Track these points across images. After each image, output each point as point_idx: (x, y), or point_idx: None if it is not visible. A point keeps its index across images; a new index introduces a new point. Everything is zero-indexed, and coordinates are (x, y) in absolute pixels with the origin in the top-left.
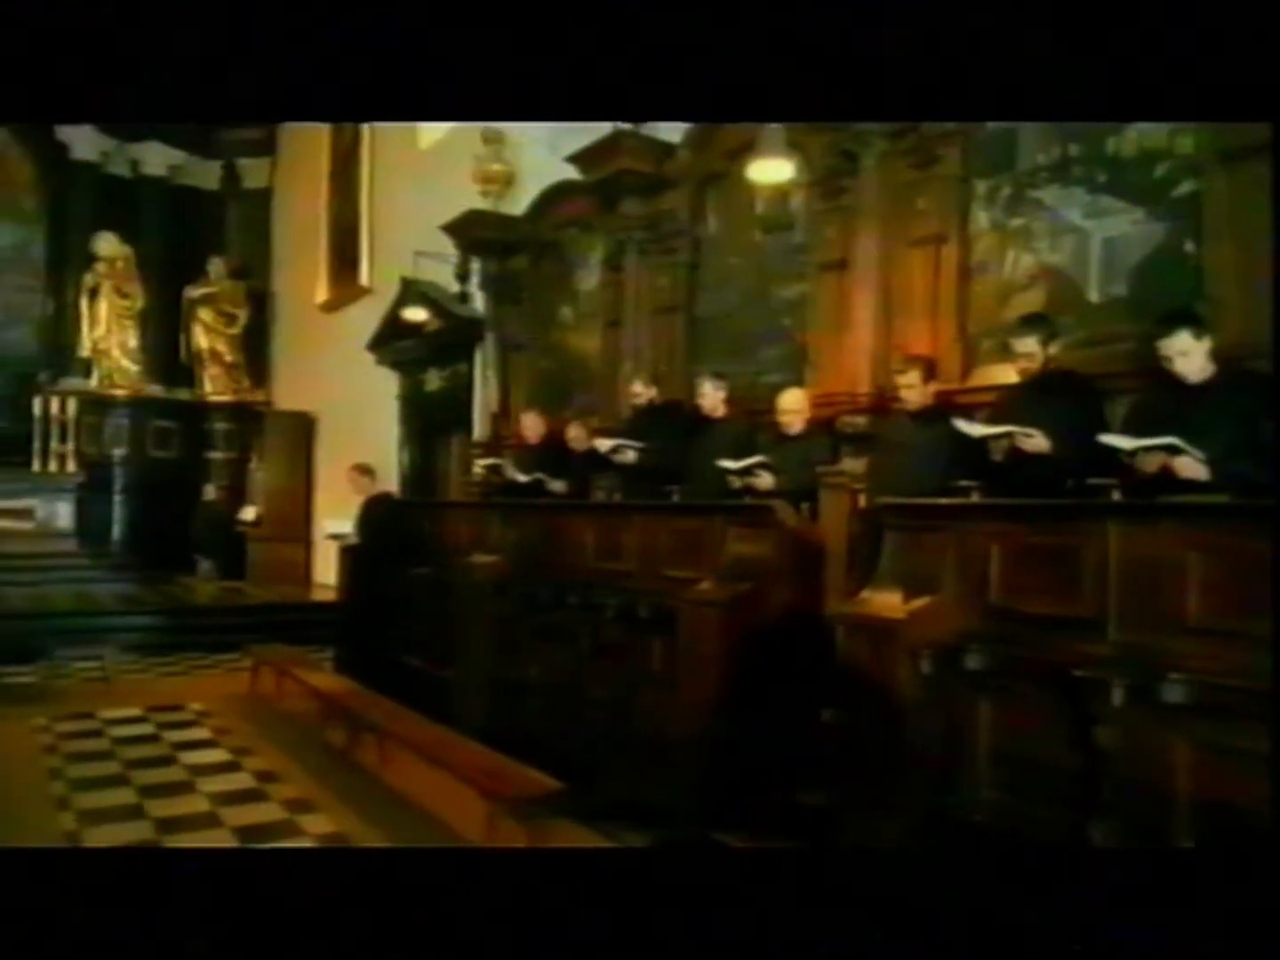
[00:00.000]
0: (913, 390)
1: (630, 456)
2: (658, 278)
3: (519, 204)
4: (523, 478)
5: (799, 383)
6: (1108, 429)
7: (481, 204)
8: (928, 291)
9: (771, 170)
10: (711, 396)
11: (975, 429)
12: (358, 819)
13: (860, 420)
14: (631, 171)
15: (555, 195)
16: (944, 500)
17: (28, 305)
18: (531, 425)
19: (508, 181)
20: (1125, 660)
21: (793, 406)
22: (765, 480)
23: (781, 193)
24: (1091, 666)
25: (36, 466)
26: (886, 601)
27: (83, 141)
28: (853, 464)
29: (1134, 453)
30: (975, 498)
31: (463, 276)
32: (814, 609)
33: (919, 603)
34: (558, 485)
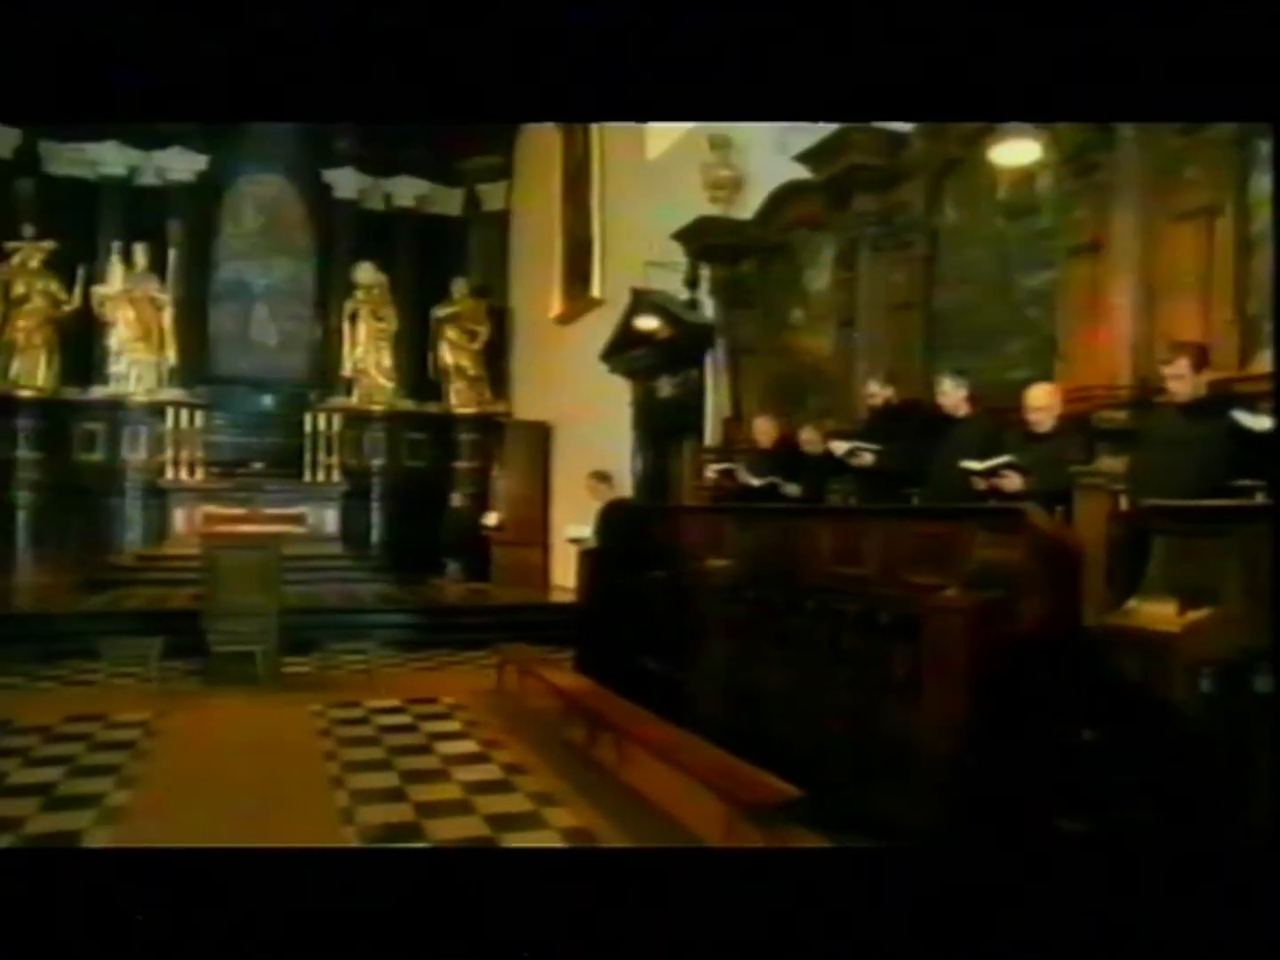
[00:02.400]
0: (1182, 381)
1: (867, 459)
2: (892, 274)
3: (748, 208)
4: (756, 482)
5: (1048, 377)
6: None
7: (710, 210)
8: (1197, 270)
9: (1017, 152)
10: (952, 395)
11: (1260, 421)
12: (598, 815)
13: (1119, 415)
14: (863, 166)
15: (784, 196)
16: (1225, 502)
17: (300, 332)
18: (764, 429)
19: (736, 186)
20: None
21: (1042, 403)
22: (1013, 481)
23: (1026, 175)
24: None
25: (307, 477)
26: (1158, 613)
27: (344, 181)
28: (1111, 463)
29: None
30: (1260, 499)
31: (692, 283)
32: (1070, 619)
33: (1197, 615)
34: (792, 489)
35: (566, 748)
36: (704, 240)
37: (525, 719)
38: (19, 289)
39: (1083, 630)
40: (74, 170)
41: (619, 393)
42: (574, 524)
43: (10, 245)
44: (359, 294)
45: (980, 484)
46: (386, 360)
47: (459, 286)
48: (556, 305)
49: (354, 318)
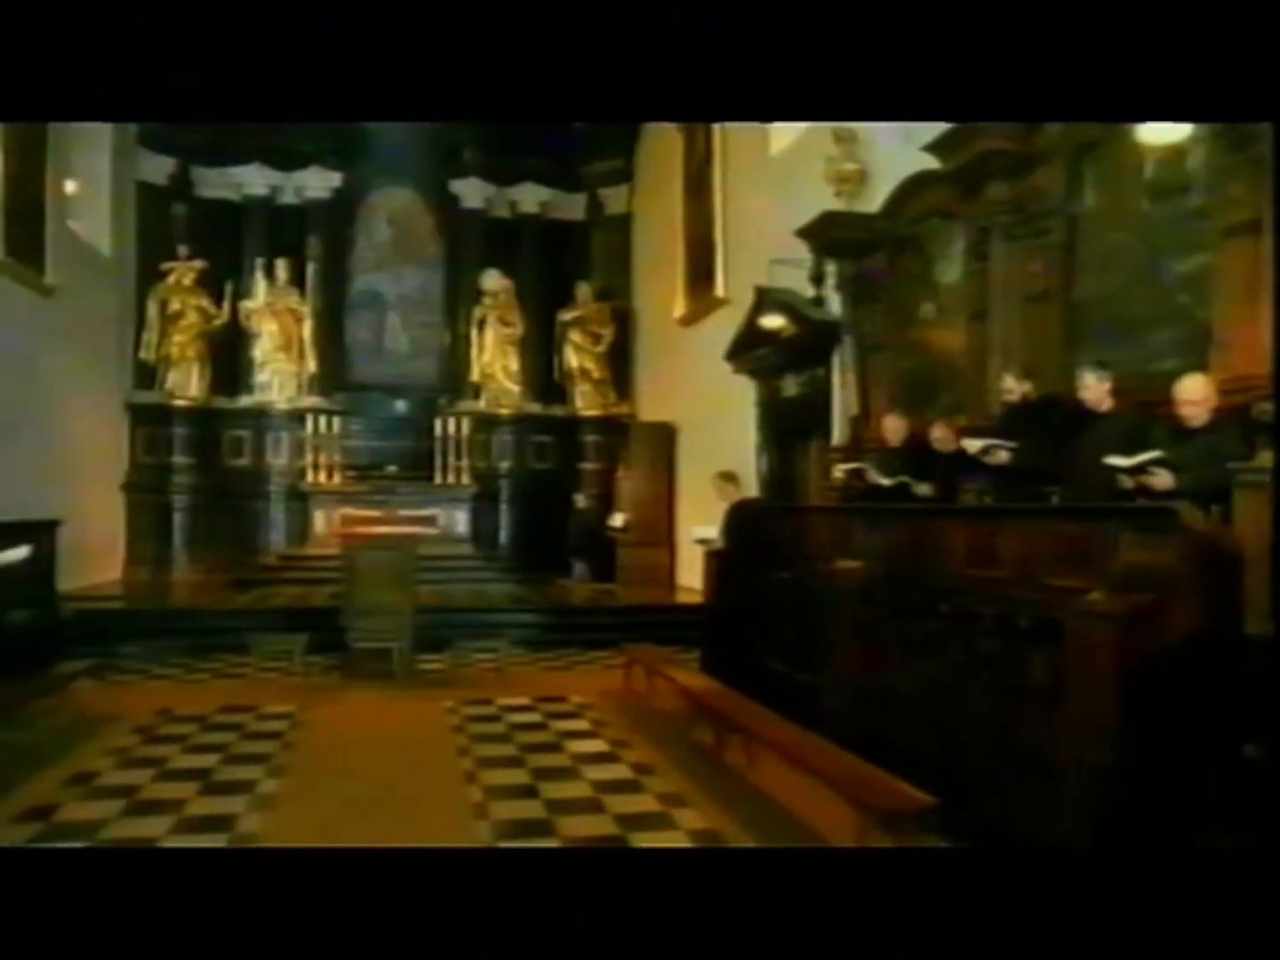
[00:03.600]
0: None
1: (1003, 457)
2: (1028, 263)
3: (873, 201)
4: (886, 481)
5: (1202, 367)
6: None
7: (835, 205)
8: None
9: (1165, 128)
10: (1095, 388)
11: None
12: (727, 817)
13: None
14: (996, 152)
15: (912, 188)
16: None
17: (430, 339)
18: (893, 427)
19: (861, 179)
20: None
21: (1195, 395)
22: (1163, 479)
23: (1175, 152)
24: None
25: (438, 479)
26: None
27: (470, 191)
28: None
29: None
30: None
31: (818, 280)
32: (1230, 626)
33: None
34: (923, 488)
35: (694, 749)
36: (829, 235)
37: (653, 719)
38: (174, 306)
39: (1245, 639)
40: (221, 193)
41: (744, 392)
42: (700, 525)
43: (166, 265)
44: (486, 300)
45: (1127, 482)
46: (513, 364)
47: (583, 290)
48: (680, 306)
49: (481, 324)
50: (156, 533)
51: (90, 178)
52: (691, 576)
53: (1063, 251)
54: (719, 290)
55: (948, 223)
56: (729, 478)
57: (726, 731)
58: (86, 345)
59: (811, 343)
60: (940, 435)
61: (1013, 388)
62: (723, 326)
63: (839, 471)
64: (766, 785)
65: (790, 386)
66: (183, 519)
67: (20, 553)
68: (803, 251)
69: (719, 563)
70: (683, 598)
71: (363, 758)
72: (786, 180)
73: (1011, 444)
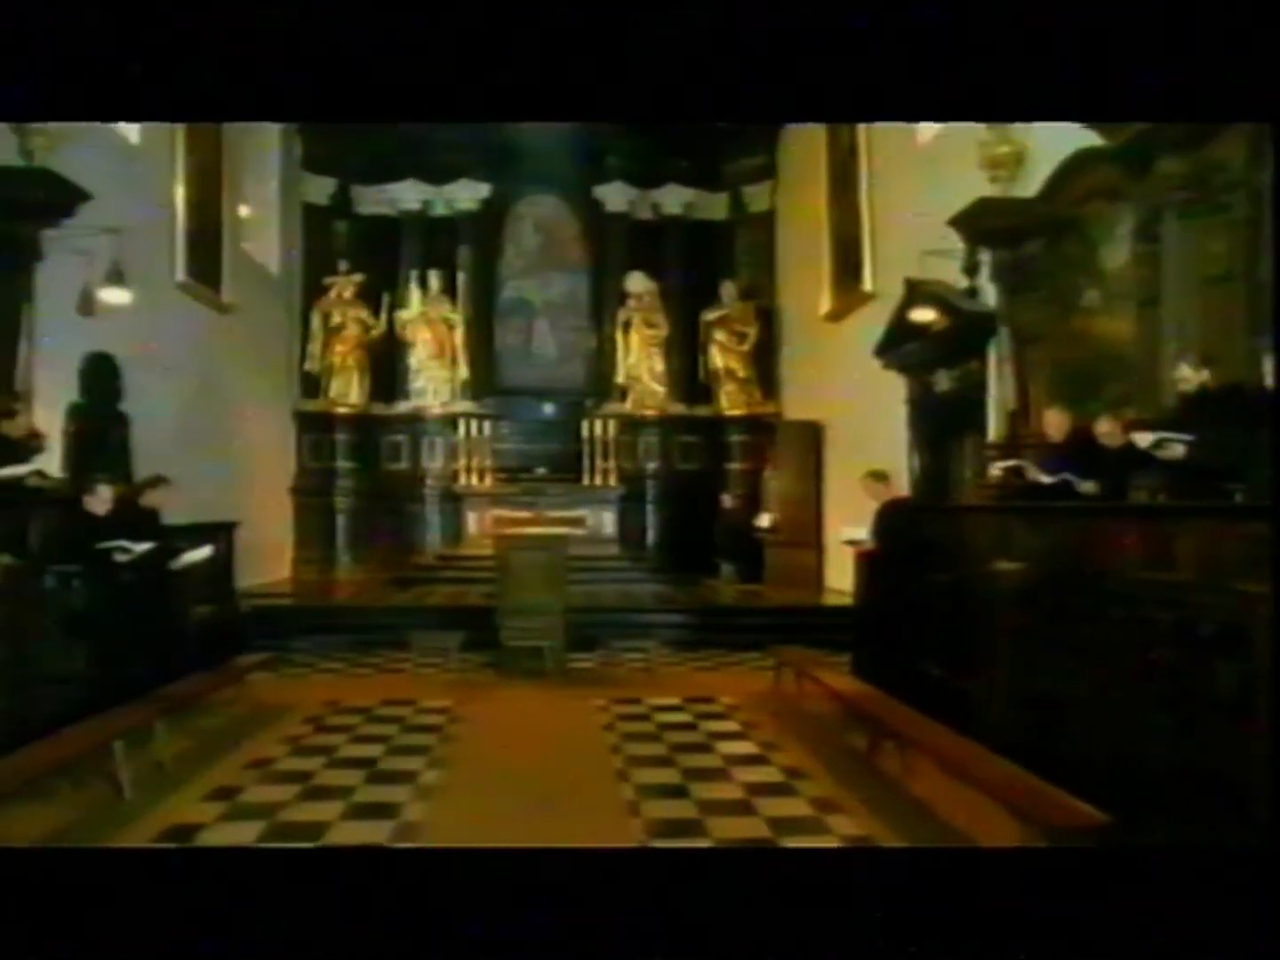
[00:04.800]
0: None
1: (1178, 451)
2: (1207, 242)
3: (1030, 185)
4: (1047, 479)
5: None
6: None
7: (989, 191)
8: None
9: None
10: None
11: None
12: (882, 825)
13: None
14: (1168, 124)
15: (1074, 168)
16: None
17: (577, 343)
18: (1055, 422)
19: (1017, 162)
20: None
21: None
22: None
23: None
24: None
25: (585, 481)
26: None
27: (614, 195)
28: None
29: None
30: None
31: (971, 270)
32: None
33: None
34: (1088, 486)
35: (846, 753)
36: (983, 223)
37: (803, 722)
38: (336, 318)
39: None
40: (378, 209)
41: (893, 389)
42: (849, 525)
43: (328, 280)
44: (631, 303)
45: None
46: (658, 366)
47: (727, 289)
48: (826, 302)
49: (626, 326)
50: (322, 533)
51: (260, 201)
52: (840, 578)
53: (1247, 228)
54: (866, 285)
55: (1114, 203)
56: (879, 477)
57: (880, 737)
58: (258, 358)
59: (965, 336)
60: (1107, 430)
61: (1189, 377)
62: (871, 322)
63: (996, 469)
64: (923, 794)
65: (942, 382)
66: (345, 520)
67: (203, 553)
68: (955, 241)
69: (870, 564)
70: (831, 599)
71: (517, 753)
72: (936, 168)
73: (1188, 437)
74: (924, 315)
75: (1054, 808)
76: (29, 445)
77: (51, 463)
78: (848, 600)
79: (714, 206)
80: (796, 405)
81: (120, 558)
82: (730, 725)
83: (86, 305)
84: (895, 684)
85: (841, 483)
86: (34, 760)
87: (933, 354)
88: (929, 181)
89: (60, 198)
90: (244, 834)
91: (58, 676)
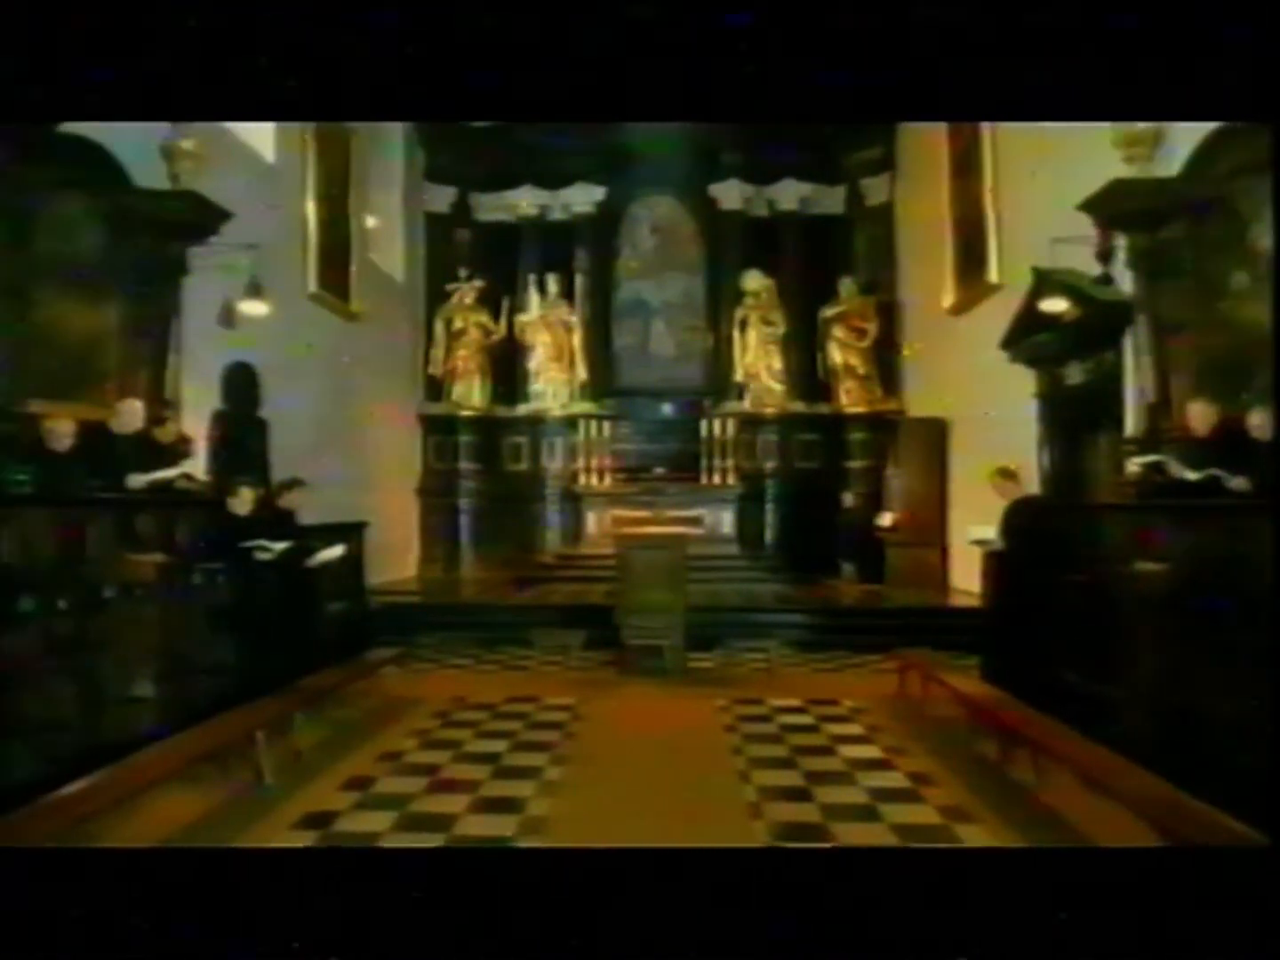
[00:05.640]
0: None
1: None
2: None
3: (1171, 164)
4: (1192, 475)
5: None
6: None
7: (1125, 171)
8: None
9: None
10: None
11: None
12: (1016, 836)
13: None
14: None
15: (1220, 142)
16: None
17: (694, 342)
18: (1201, 415)
19: (1156, 140)
20: None
21: None
22: None
23: None
24: None
25: (704, 480)
26: None
27: (729, 193)
28: None
29: None
30: None
31: (1105, 256)
32: None
33: None
34: (1239, 482)
35: (976, 761)
36: (1118, 206)
37: (930, 727)
38: (458, 323)
39: None
40: (497, 216)
41: (1022, 383)
42: (976, 524)
43: (450, 287)
44: (748, 301)
45: None
46: (776, 364)
47: (846, 285)
48: (949, 295)
49: (744, 324)
50: (446, 533)
51: (385, 213)
52: (966, 578)
53: None
54: (992, 275)
55: (1265, 178)
56: (1007, 474)
57: (1012, 744)
58: (384, 364)
59: (1099, 326)
60: (1260, 422)
61: None
62: (997, 314)
63: (1135, 465)
64: (1059, 805)
65: (1075, 374)
66: (469, 520)
67: (336, 551)
68: (1087, 227)
69: (999, 565)
70: (957, 601)
71: (639, 751)
72: (1066, 150)
73: None
74: (1054, 305)
75: (1203, 826)
76: (177, 450)
77: (197, 466)
78: (974, 602)
79: (831, 200)
80: (919, 401)
81: (261, 556)
82: (854, 728)
83: (228, 318)
84: (1028, 689)
85: (967, 481)
86: (185, 747)
87: (1064, 346)
88: (1058, 165)
89: (205, 217)
90: (377, 823)
91: (205, 668)
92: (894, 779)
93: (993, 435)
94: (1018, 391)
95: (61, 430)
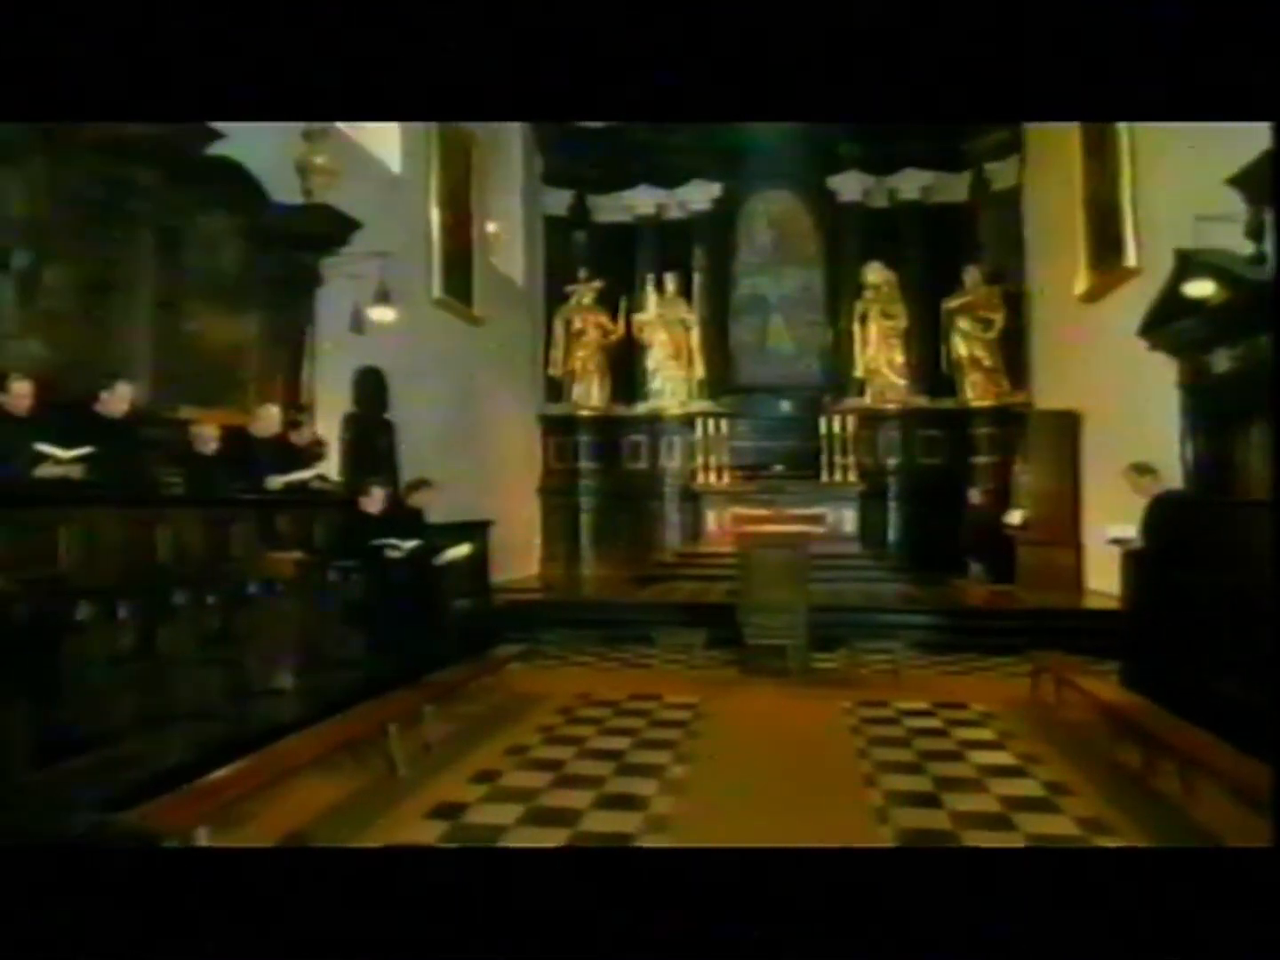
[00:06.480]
0: None
1: None
2: None
3: None
4: None
5: None
6: None
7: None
8: None
9: None
10: None
11: None
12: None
13: None
14: None
15: None
16: None
17: (813, 338)
18: None
19: None
20: None
21: None
22: None
23: None
24: None
25: (824, 478)
26: None
27: (848, 185)
28: None
29: None
30: None
31: (1257, 234)
32: None
33: None
34: None
35: (1117, 771)
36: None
37: (1066, 734)
38: (577, 324)
39: None
40: (615, 216)
41: (1162, 372)
42: (1112, 522)
43: (569, 288)
44: (868, 294)
45: None
46: (898, 358)
47: (970, 274)
48: (1081, 281)
49: (864, 318)
50: (566, 532)
51: (505, 217)
52: (1101, 579)
53: None
54: (1129, 259)
55: None
56: (1144, 470)
57: (1157, 755)
58: (506, 366)
59: (1250, 309)
60: None
61: None
62: (1134, 300)
63: None
64: (1209, 822)
65: (1222, 361)
66: (589, 519)
67: (463, 550)
68: (1235, 203)
69: (1139, 565)
70: (1092, 602)
71: (763, 752)
72: (1208, 125)
73: None
74: (1200, 288)
75: None
76: (312, 452)
77: (330, 468)
78: (1110, 603)
79: (954, 188)
80: (1050, 394)
81: (391, 554)
82: (984, 733)
83: (358, 324)
84: (1175, 697)
85: (1101, 476)
86: (323, 737)
87: (1210, 331)
88: (1201, 138)
89: (337, 229)
90: (504, 815)
91: (340, 661)
92: (1028, 787)
93: (1130, 428)
94: (1157, 381)
95: (207, 434)
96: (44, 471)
